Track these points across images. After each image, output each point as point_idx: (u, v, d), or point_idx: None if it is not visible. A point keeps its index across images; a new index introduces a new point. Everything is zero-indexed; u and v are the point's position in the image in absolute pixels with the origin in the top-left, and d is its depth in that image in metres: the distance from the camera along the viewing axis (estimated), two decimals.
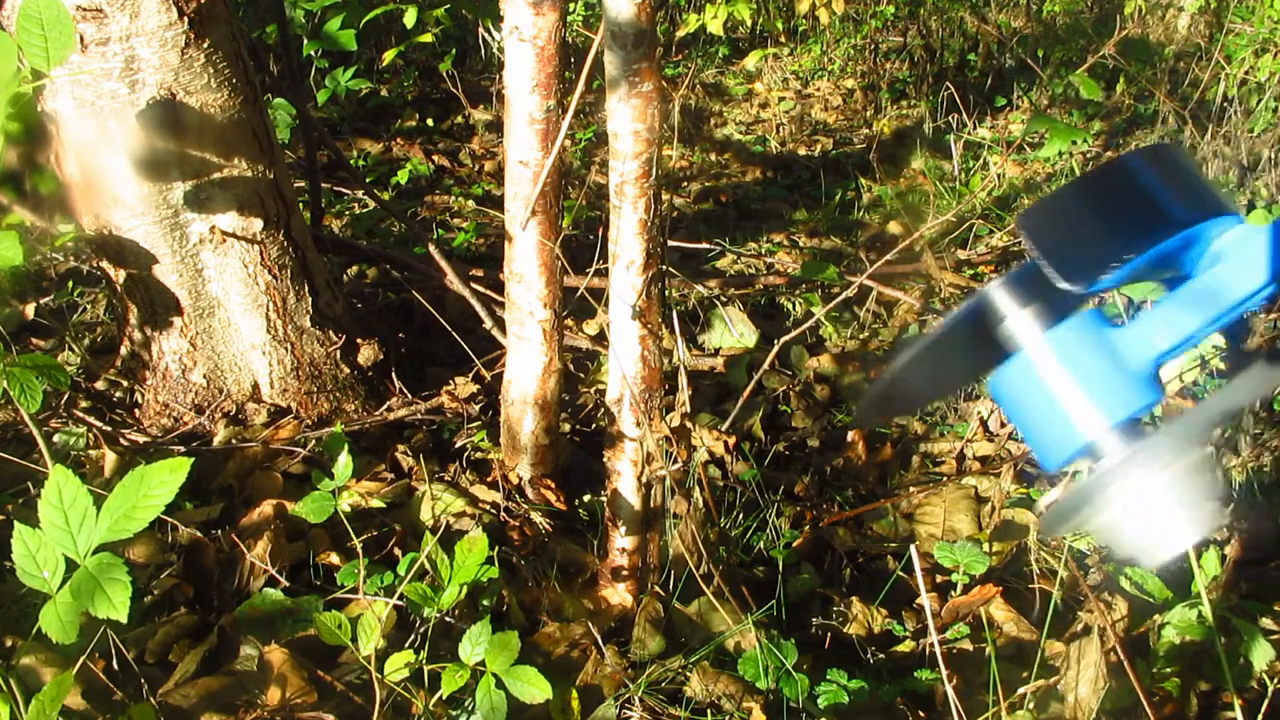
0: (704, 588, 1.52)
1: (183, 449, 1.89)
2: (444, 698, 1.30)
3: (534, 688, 1.28)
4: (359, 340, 2.11)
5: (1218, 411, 0.56)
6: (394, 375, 2.14)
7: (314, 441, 1.91)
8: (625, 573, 1.64)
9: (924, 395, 0.77)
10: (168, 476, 1.01)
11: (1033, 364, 0.56)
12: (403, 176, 3.40)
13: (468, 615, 1.52)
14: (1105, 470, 0.53)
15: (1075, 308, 0.57)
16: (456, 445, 2.00)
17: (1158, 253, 0.55)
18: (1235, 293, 0.54)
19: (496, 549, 1.63)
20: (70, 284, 2.46)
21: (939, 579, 1.73)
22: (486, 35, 4.20)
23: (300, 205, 2.09)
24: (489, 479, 1.88)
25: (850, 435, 2.14)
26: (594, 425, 2.13)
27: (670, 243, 2.72)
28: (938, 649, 1.29)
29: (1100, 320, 0.56)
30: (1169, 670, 1.42)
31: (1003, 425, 2.17)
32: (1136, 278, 0.56)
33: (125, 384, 2.05)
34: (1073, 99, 3.96)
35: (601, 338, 2.38)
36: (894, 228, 3.16)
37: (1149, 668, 1.42)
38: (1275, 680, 1.37)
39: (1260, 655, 1.36)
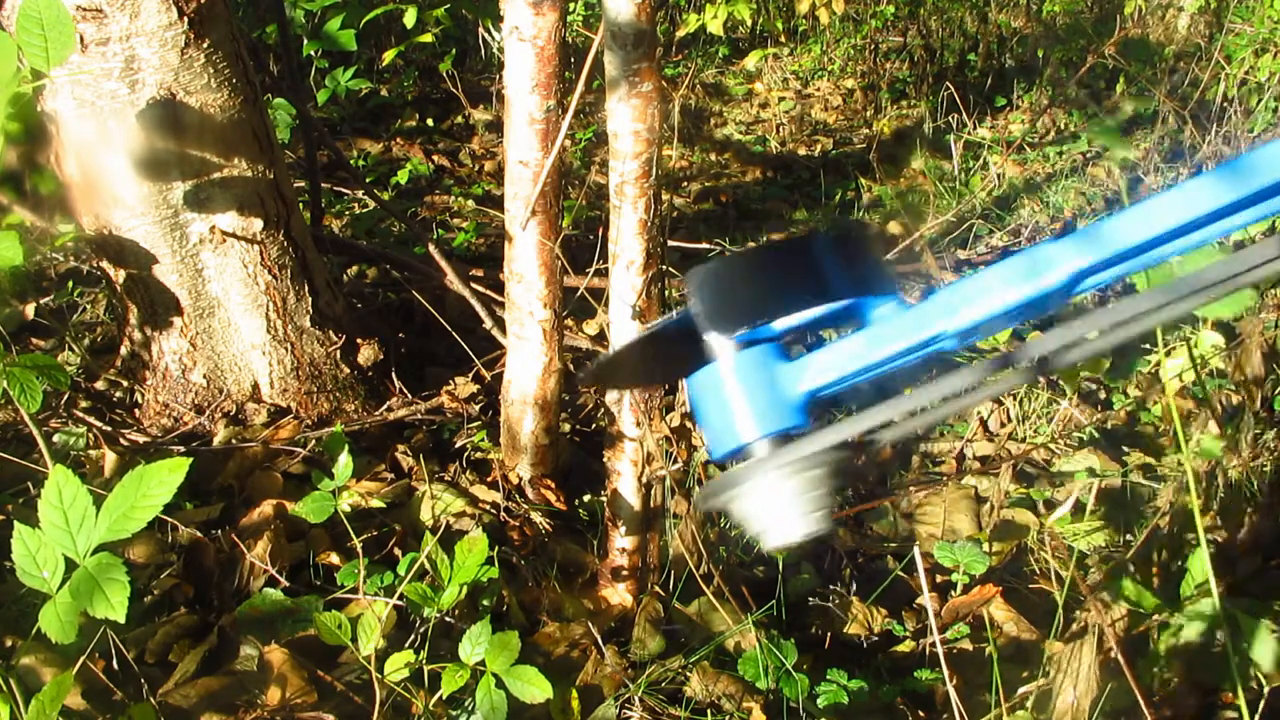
0: (704, 588, 1.52)
1: (182, 449, 1.89)
2: (444, 698, 1.30)
3: (534, 687, 1.28)
4: (359, 340, 2.11)
5: (838, 439, 0.68)
6: (394, 375, 2.14)
7: (314, 441, 1.91)
8: (625, 573, 1.64)
9: (639, 377, 0.92)
10: (167, 476, 1.01)
11: (717, 375, 0.69)
12: (403, 176, 3.40)
13: (468, 615, 1.52)
14: (748, 467, 0.67)
15: (773, 338, 0.71)
16: (456, 445, 2.00)
17: (824, 316, 0.69)
18: (878, 354, 0.67)
19: (496, 549, 1.63)
20: (70, 284, 2.46)
21: (939, 579, 1.73)
22: (486, 35, 4.20)
23: (300, 205, 2.09)
24: (489, 479, 1.88)
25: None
26: (594, 425, 2.13)
27: (670, 243, 2.72)
28: (938, 649, 1.29)
29: (776, 354, 0.70)
30: (1168, 670, 1.42)
31: (1002, 425, 2.17)
32: (819, 325, 0.70)
33: (125, 384, 2.05)
34: (1073, 100, 3.96)
35: (601, 338, 2.38)
36: (894, 228, 3.16)
37: (1148, 668, 1.42)
38: (1269, 680, 1.37)
39: (1266, 653, 1.35)
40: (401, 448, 1.97)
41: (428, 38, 3.46)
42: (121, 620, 0.97)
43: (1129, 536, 1.75)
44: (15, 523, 1.04)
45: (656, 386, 1.05)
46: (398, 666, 1.33)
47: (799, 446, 0.67)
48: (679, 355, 0.71)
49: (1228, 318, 1.74)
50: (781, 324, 0.69)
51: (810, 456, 0.66)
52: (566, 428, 2.01)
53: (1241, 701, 1.27)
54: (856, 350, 0.67)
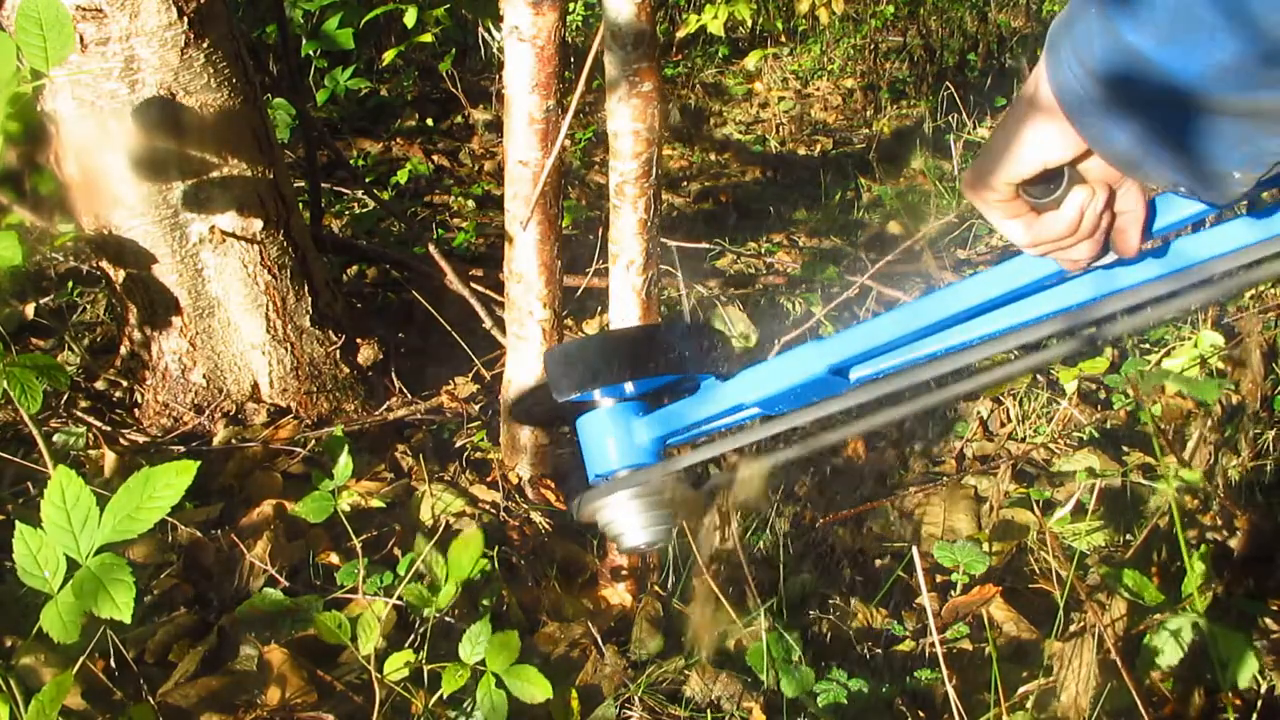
0: (712, 585, 1.52)
1: (182, 449, 1.89)
2: (444, 697, 1.30)
3: (534, 687, 1.28)
4: (359, 340, 2.11)
5: (672, 470, 0.89)
6: (394, 375, 2.14)
7: (314, 441, 1.91)
8: (625, 572, 1.64)
9: (546, 415, 1.13)
10: (173, 479, 1.01)
11: (594, 419, 0.94)
12: (402, 176, 3.40)
13: (467, 615, 1.52)
14: (608, 487, 0.91)
15: (651, 396, 0.95)
16: (456, 445, 2.00)
17: (666, 384, 0.93)
18: (700, 415, 0.91)
19: (496, 549, 1.63)
20: (70, 284, 2.45)
21: (939, 579, 1.73)
22: (486, 35, 4.20)
23: (300, 205, 2.09)
24: (489, 479, 1.88)
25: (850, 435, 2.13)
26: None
27: (670, 242, 2.72)
28: (938, 649, 1.30)
29: (636, 410, 0.93)
30: (1168, 671, 1.42)
31: (1002, 425, 2.17)
32: (660, 385, 0.93)
33: (125, 384, 2.05)
34: None
35: None
36: (894, 228, 3.16)
37: (1147, 668, 1.42)
38: (1268, 681, 1.37)
39: (1245, 671, 1.36)
40: (401, 447, 1.97)
41: (427, 37, 3.46)
42: (127, 620, 0.98)
43: (1129, 536, 1.75)
44: (17, 522, 1.04)
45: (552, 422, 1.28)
46: (397, 666, 1.33)
47: (643, 475, 0.89)
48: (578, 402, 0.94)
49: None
50: (632, 389, 0.92)
51: (651, 484, 0.89)
52: (566, 428, 2.00)
53: (1229, 705, 1.28)
54: (685, 412, 0.91)
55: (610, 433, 0.92)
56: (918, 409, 0.79)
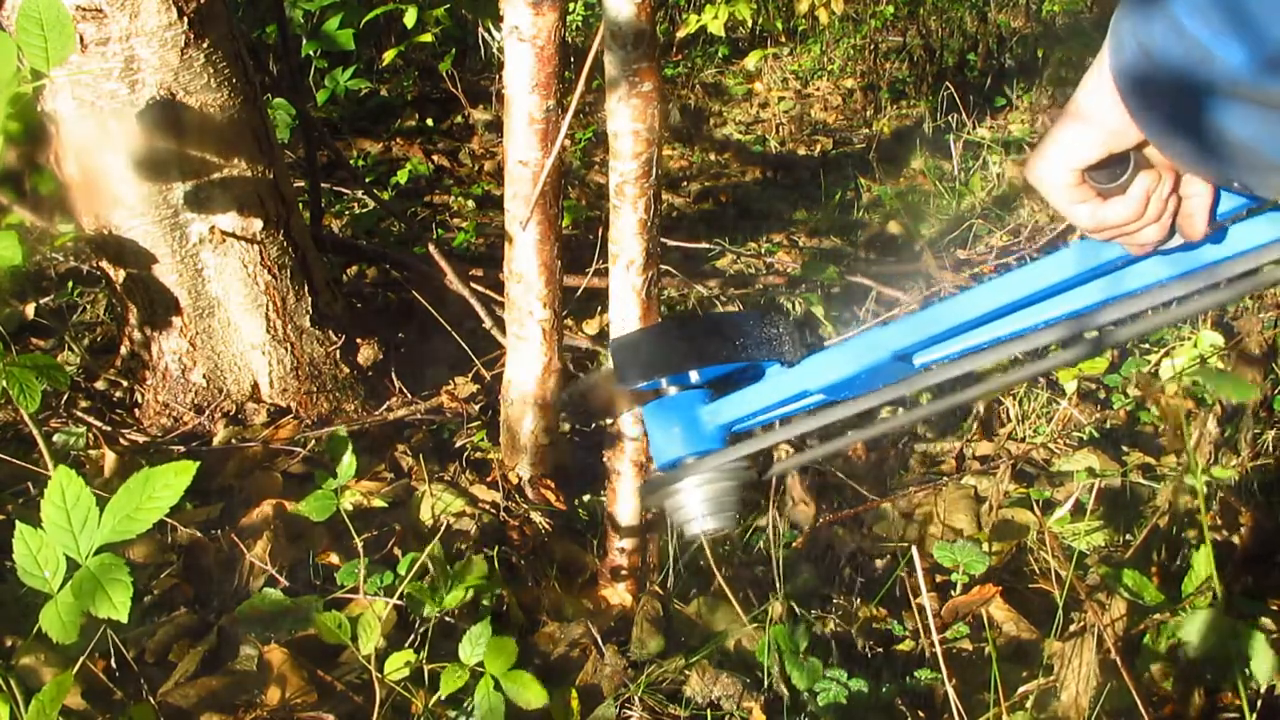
0: (718, 579, 1.52)
1: (182, 449, 1.89)
2: (443, 698, 1.30)
3: (530, 693, 1.28)
4: (359, 340, 2.11)
5: (740, 456, 0.90)
6: (394, 375, 2.14)
7: (314, 441, 1.91)
8: (625, 572, 1.64)
9: (610, 407, 1.12)
10: (172, 479, 1.01)
11: (662, 406, 0.94)
12: (402, 176, 3.40)
13: (468, 615, 1.52)
14: (676, 474, 0.91)
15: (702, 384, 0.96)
16: (456, 445, 2.00)
17: (726, 370, 0.94)
18: (764, 402, 0.91)
19: (496, 549, 1.63)
20: (70, 284, 2.46)
21: (939, 579, 1.73)
22: (486, 35, 4.20)
23: (300, 205, 2.09)
24: (489, 479, 1.88)
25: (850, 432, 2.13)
26: (594, 425, 2.13)
27: (670, 243, 2.72)
28: (938, 649, 1.29)
29: (702, 397, 0.94)
30: (1168, 670, 1.42)
31: (1002, 425, 2.17)
32: (726, 376, 0.95)
33: (125, 384, 2.05)
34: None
35: (601, 338, 2.38)
36: (894, 228, 3.16)
37: (1147, 668, 1.42)
38: (1268, 680, 1.37)
39: (1265, 666, 1.35)
40: (401, 447, 1.97)
41: (427, 38, 3.46)
42: (124, 620, 0.98)
43: (1129, 536, 1.75)
44: (17, 522, 1.04)
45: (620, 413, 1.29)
46: (397, 666, 1.33)
47: (709, 461, 0.90)
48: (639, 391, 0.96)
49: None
50: (697, 376, 0.93)
51: (720, 470, 0.90)
52: (566, 428, 2.01)
53: (1244, 703, 1.27)
54: (750, 398, 0.92)
55: (676, 420, 0.93)
56: (945, 408, 0.80)
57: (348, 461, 1.54)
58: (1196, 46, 0.53)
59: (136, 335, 1.99)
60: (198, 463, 1.04)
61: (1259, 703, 1.36)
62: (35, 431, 1.48)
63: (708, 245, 2.84)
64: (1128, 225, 0.69)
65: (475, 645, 1.31)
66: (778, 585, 1.60)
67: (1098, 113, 0.63)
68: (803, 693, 1.44)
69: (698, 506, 0.91)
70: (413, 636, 1.47)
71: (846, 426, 0.89)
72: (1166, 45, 0.54)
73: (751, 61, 4.58)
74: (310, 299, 2.00)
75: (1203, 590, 1.42)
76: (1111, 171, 0.66)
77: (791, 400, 0.91)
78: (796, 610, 1.62)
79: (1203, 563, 1.44)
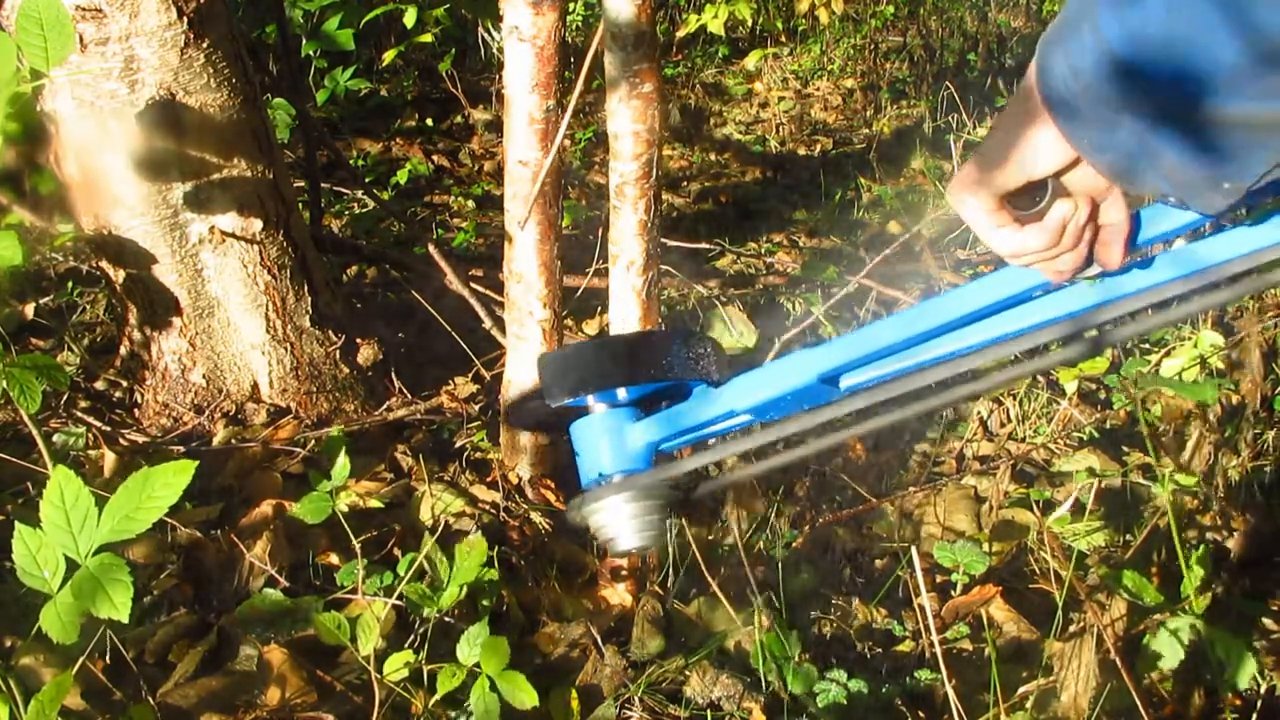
0: (710, 583, 1.52)
1: (182, 449, 1.89)
2: (441, 698, 1.30)
3: (523, 694, 1.28)
4: (359, 340, 2.11)
5: (665, 477, 0.89)
6: (394, 375, 2.14)
7: (313, 441, 1.91)
8: (625, 572, 1.64)
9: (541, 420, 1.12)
10: (171, 479, 1.01)
11: (588, 425, 0.94)
12: (402, 176, 3.40)
13: (468, 615, 1.52)
14: (600, 491, 0.91)
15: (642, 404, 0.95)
16: (456, 445, 2.00)
17: (660, 391, 0.94)
18: (692, 421, 0.92)
19: (496, 549, 1.63)
20: (70, 284, 2.46)
21: (939, 579, 1.73)
22: (486, 35, 4.20)
23: (300, 205, 2.09)
24: (489, 479, 1.88)
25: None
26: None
27: (670, 242, 2.72)
28: (938, 649, 1.30)
29: (630, 416, 0.93)
30: (1168, 671, 1.42)
31: (1002, 425, 2.17)
32: (659, 397, 0.94)
33: (125, 384, 2.05)
34: None
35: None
36: (894, 228, 3.16)
37: (1147, 668, 1.42)
38: (1268, 681, 1.37)
39: (1244, 674, 1.36)
40: (401, 448, 1.97)
41: (427, 38, 3.46)
42: (125, 620, 0.98)
43: (1129, 536, 1.75)
44: (16, 523, 1.04)
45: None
46: (397, 666, 1.33)
47: (636, 480, 0.90)
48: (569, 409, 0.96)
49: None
50: (625, 394, 0.93)
51: (644, 489, 0.90)
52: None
53: (1227, 710, 1.28)
54: (677, 418, 0.92)
55: (603, 438, 0.93)
56: (917, 412, 0.79)
57: (342, 462, 1.54)
58: (1131, 67, 0.54)
59: (136, 335, 1.99)
60: (196, 462, 1.04)
61: (1259, 703, 1.36)
62: (35, 431, 1.48)
63: (708, 245, 2.84)
64: (1045, 252, 0.70)
65: (473, 645, 1.31)
66: (775, 589, 1.60)
67: (1020, 139, 0.65)
68: (802, 695, 1.44)
69: (623, 524, 0.91)
70: (412, 637, 1.47)
71: (780, 443, 0.88)
72: (1100, 66, 0.55)
73: (751, 61, 4.58)
74: (310, 299, 2.00)
75: (1202, 590, 1.42)
76: (1030, 198, 0.68)
77: (719, 420, 0.92)
78: (785, 614, 1.62)
79: (1201, 563, 1.44)
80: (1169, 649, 1.36)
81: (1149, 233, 0.72)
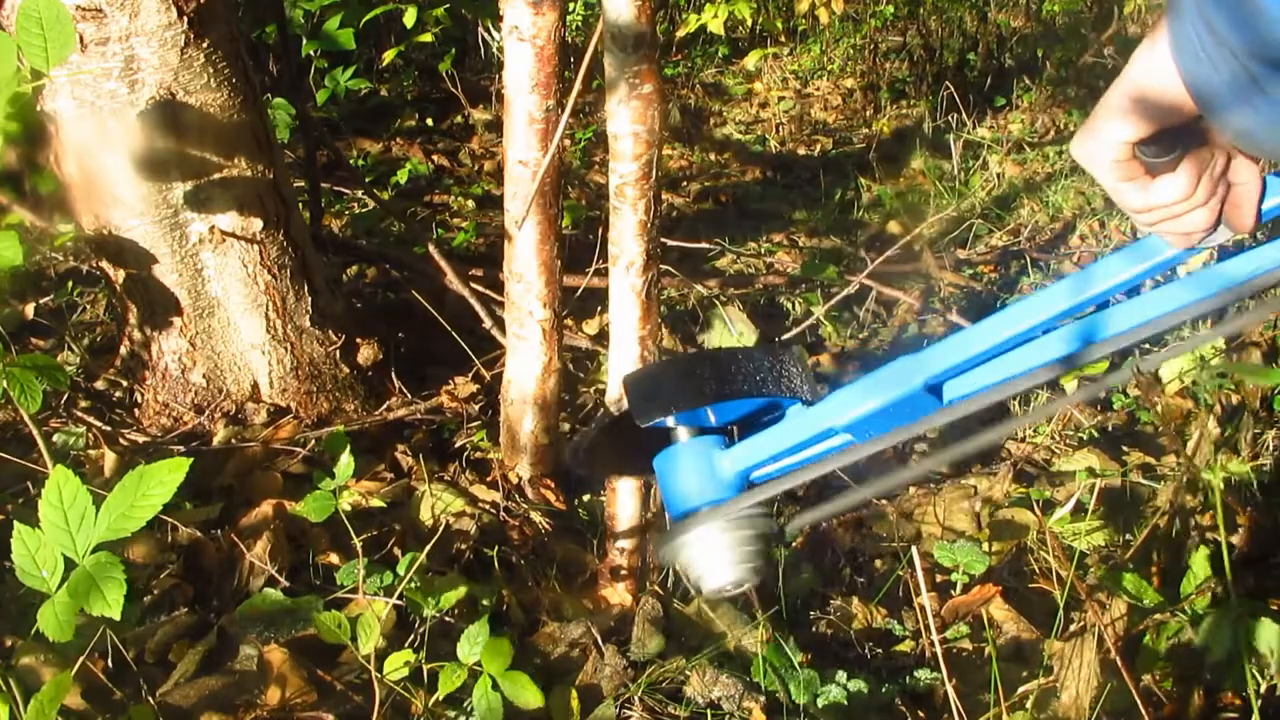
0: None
1: (182, 449, 1.89)
2: (442, 698, 1.30)
3: (528, 694, 1.28)
4: (359, 340, 2.11)
5: (770, 493, 0.83)
6: (394, 375, 2.14)
7: (313, 441, 1.91)
8: (625, 572, 1.64)
9: (618, 465, 1.05)
10: (166, 476, 1.01)
11: (673, 455, 0.88)
12: (402, 176, 3.40)
13: (467, 615, 1.52)
14: (690, 524, 0.84)
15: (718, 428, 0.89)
16: (456, 445, 2.00)
17: (752, 413, 0.88)
18: (785, 443, 0.84)
19: (496, 549, 1.63)
20: (70, 284, 2.46)
21: (939, 579, 1.73)
22: (486, 35, 4.20)
23: (300, 205, 2.09)
24: (489, 479, 1.88)
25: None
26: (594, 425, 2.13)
27: (670, 242, 2.72)
28: (938, 649, 1.30)
29: (717, 442, 0.87)
30: (1168, 670, 1.42)
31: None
32: (742, 415, 0.88)
33: (125, 384, 2.05)
34: (1072, 98, 3.96)
35: (601, 338, 2.38)
36: (894, 228, 3.16)
37: (1147, 668, 1.42)
38: (1268, 679, 1.37)
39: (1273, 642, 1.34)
40: (401, 447, 1.97)
41: (427, 37, 3.46)
42: (118, 618, 0.97)
43: (1129, 536, 1.75)
44: (15, 523, 1.04)
45: (636, 474, 1.13)
46: (397, 666, 1.33)
47: (726, 509, 0.83)
48: (642, 439, 0.89)
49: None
50: (717, 417, 0.87)
51: (737, 518, 0.83)
52: (566, 427, 2.01)
53: (1253, 698, 1.27)
54: (770, 440, 0.86)
55: (691, 467, 0.87)
56: (975, 448, 0.77)
57: (346, 461, 1.54)
58: (1265, 18, 0.50)
59: (136, 335, 1.99)
60: (191, 459, 1.04)
61: (1259, 702, 1.36)
62: (35, 431, 1.48)
63: (708, 245, 2.84)
64: (1176, 206, 0.66)
65: (473, 645, 1.31)
66: (775, 590, 1.60)
67: (1153, 84, 0.60)
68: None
69: (714, 558, 0.84)
70: (412, 636, 1.47)
71: (871, 470, 0.84)
72: (1231, 16, 0.52)
73: (751, 61, 4.58)
74: (310, 299, 2.00)
75: (1202, 590, 1.42)
76: (1162, 146, 0.64)
77: (814, 441, 0.85)
78: (785, 614, 1.62)
79: (1201, 563, 1.44)
80: (1217, 641, 1.34)
81: (1274, 200, 0.68)
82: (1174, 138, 0.63)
